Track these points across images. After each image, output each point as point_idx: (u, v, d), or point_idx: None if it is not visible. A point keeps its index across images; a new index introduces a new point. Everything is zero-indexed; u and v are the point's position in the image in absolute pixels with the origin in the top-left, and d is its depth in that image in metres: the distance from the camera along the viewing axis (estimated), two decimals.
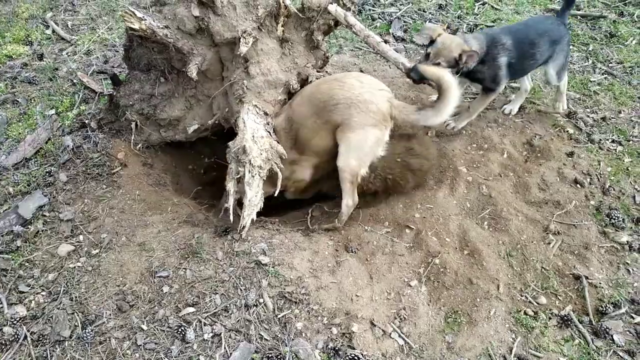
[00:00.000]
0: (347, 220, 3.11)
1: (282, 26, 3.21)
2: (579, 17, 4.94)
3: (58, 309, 2.56)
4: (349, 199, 3.03)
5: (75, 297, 2.62)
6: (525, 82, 3.85)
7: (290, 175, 3.32)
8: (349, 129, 2.93)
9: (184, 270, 2.70)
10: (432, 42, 3.31)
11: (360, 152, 2.97)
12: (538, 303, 2.73)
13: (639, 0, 5.03)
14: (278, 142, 3.07)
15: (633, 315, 2.68)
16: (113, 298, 2.61)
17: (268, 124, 3.11)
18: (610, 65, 4.37)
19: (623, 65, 4.35)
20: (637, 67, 4.32)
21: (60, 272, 2.75)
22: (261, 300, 2.56)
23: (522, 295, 2.76)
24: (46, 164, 3.41)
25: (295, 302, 2.56)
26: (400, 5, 5.23)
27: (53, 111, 3.85)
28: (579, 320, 2.66)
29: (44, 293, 2.65)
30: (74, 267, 2.78)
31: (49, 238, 2.94)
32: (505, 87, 3.98)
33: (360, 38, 3.41)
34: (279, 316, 2.50)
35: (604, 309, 2.69)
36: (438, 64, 3.20)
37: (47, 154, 3.48)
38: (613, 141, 3.66)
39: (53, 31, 4.68)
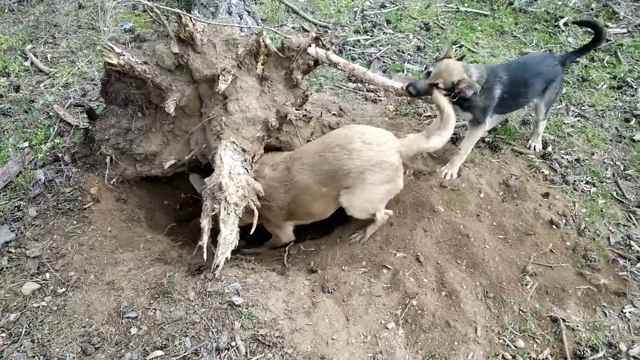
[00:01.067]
0: (323, 260, 3.07)
1: (262, 65, 3.23)
2: None
3: (18, 351, 2.44)
4: (381, 216, 3.17)
5: (38, 338, 2.49)
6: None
7: (275, 243, 3.50)
8: (361, 190, 2.98)
9: (153, 310, 2.60)
10: (437, 60, 3.46)
11: (371, 204, 3.05)
12: (516, 347, 2.69)
13: (608, 47, 5.23)
14: (255, 180, 3.04)
15: (610, 359, 2.65)
16: (78, 340, 2.49)
17: (245, 161, 3.09)
18: (582, 108, 4.50)
19: (595, 109, 4.48)
20: (608, 110, 4.45)
21: (23, 312, 2.62)
22: (233, 344, 2.47)
23: (499, 339, 2.72)
24: (15, 198, 3.31)
25: (269, 346, 2.47)
26: (380, 46, 5.34)
27: (26, 144, 3.78)
28: None
29: (3, 334, 2.52)
30: (38, 306, 2.66)
31: (14, 275, 2.82)
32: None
33: (347, 72, 3.44)
34: None
35: (582, 353, 2.65)
36: (436, 84, 3.30)
37: (17, 188, 3.39)
38: (587, 182, 3.72)
39: (32, 63, 4.64)
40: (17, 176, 3.47)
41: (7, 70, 4.56)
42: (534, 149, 3.97)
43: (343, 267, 2.99)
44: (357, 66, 3.35)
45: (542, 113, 3.82)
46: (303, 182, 3.09)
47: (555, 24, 5.65)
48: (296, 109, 3.37)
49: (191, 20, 2.95)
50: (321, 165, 3.01)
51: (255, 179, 3.05)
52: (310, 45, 3.20)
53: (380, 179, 2.95)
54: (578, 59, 3.94)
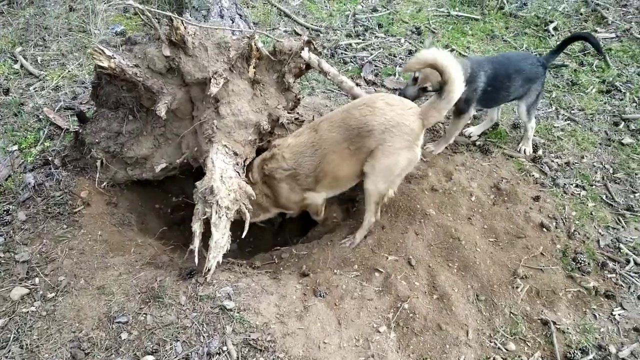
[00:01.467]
0: (315, 263, 3.07)
1: (254, 68, 3.23)
2: None
3: (6, 357, 2.41)
4: (371, 217, 3.15)
5: (26, 344, 2.46)
6: (494, 114, 4.13)
7: (303, 202, 3.44)
8: (382, 153, 2.95)
9: (144, 315, 2.59)
10: None
11: (391, 175, 3.02)
12: (507, 349, 2.71)
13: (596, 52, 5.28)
14: (247, 183, 3.04)
15: None
16: (67, 345, 2.46)
17: (237, 164, 3.08)
18: (572, 112, 4.54)
19: (584, 112, 4.52)
20: (598, 114, 4.49)
21: (12, 318, 2.59)
22: (224, 348, 2.46)
23: (491, 342, 2.73)
24: (4, 202, 3.27)
25: (261, 350, 2.47)
26: (372, 50, 5.36)
27: (16, 147, 3.74)
28: None
29: None
30: (27, 312, 2.63)
31: (2, 280, 2.79)
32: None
33: (335, 83, 3.47)
34: None
35: (572, 355, 2.67)
36: (425, 88, 3.45)
37: (6, 192, 3.35)
38: (577, 186, 3.75)
39: (21, 66, 4.61)
40: (6, 180, 3.44)
41: None
42: (524, 152, 4.02)
43: (335, 271, 2.99)
44: (345, 79, 3.40)
45: (524, 115, 3.88)
46: (332, 139, 3.07)
47: (545, 28, 5.70)
48: (288, 113, 3.38)
49: (183, 23, 2.95)
50: (348, 121, 3.02)
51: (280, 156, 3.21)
52: (302, 49, 3.21)
53: (400, 144, 2.92)
54: (557, 57, 4.06)
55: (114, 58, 2.94)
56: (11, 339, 2.49)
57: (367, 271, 2.98)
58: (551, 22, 5.76)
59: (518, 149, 4.05)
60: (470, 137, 4.13)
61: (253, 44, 3.12)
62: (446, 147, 3.93)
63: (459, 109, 3.68)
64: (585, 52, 5.28)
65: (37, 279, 2.80)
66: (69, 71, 4.57)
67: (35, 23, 5.09)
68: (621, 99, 4.66)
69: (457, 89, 2.84)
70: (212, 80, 3.00)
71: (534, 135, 4.07)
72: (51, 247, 2.98)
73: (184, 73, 3.07)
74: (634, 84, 4.82)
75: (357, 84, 4.70)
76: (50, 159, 3.48)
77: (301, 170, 3.19)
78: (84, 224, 3.16)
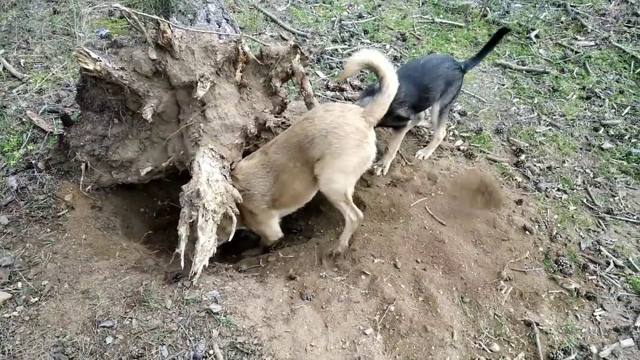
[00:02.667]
0: (302, 267, 3.08)
1: (241, 72, 3.24)
2: (524, 72, 5.24)
3: None
4: (351, 216, 3.11)
5: (9, 349, 2.43)
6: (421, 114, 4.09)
7: (264, 242, 3.55)
8: (331, 156, 2.94)
9: (129, 319, 2.57)
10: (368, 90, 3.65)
11: (342, 174, 3.00)
12: (492, 350, 2.74)
13: (577, 59, 5.40)
14: (234, 186, 3.04)
15: None
16: (51, 350, 2.44)
17: (224, 168, 3.08)
18: (554, 117, 4.63)
19: (565, 118, 4.61)
20: (578, 119, 4.59)
21: None
22: (211, 352, 2.45)
23: (475, 343, 2.76)
24: None
25: (247, 353, 2.47)
26: None
27: None
28: None
29: None
30: (9, 316, 2.59)
31: None
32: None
33: (304, 97, 3.54)
34: None
35: (555, 356, 2.72)
36: None
37: None
38: (558, 190, 3.83)
39: (4, 68, 4.54)
40: None
41: None
42: (423, 158, 3.99)
43: (321, 274, 3.00)
44: (315, 102, 3.56)
45: (435, 116, 3.82)
46: (279, 161, 3.11)
47: (527, 35, 5.81)
48: (275, 116, 3.40)
49: (169, 26, 2.95)
50: (291, 139, 3.06)
51: (233, 177, 3.10)
52: (289, 52, 3.23)
53: (348, 144, 2.92)
54: (476, 63, 4.00)
55: (100, 61, 2.93)
56: None
57: (353, 274, 3.00)
58: (533, 29, 5.88)
59: (415, 154, 4.01)
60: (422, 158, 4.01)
61: (240, 47, 3.13)
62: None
63: (397, 126, 3.72)
64: (565, 59, 5.39)
65: (19, 284, 2.77)
66: (52, 74, 4.52)
67: (18, 25, 5.02)
68: (600, 105, 4.77)
69: (392, 82, 2.94)
70: (198, 84, 3.00)
71: (516, 139, 4.13)
72: (34, 251, 2.95)
73: (170, 76, 3.07)
74: (612, 90, 4.94)
75: (343, 89, 4.75)
76: (33, 162, 3.44)
77: (255, 190, 3.21)
78: (68, 228, 3.13)
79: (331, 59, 5.28)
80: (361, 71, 5.14)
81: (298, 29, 5.71)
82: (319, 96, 4.69)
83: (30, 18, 5.20)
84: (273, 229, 3.45)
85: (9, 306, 2.66)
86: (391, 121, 3.57)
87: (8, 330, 2.52)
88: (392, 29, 5.93)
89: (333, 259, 3.11)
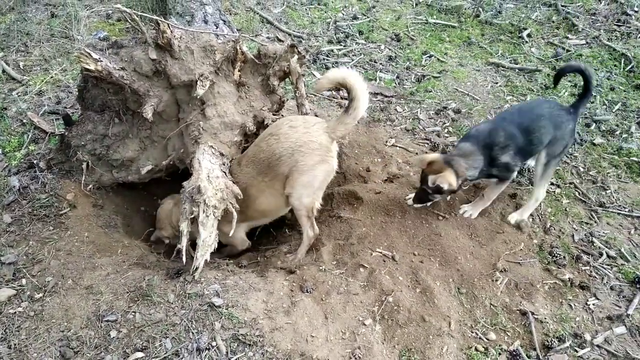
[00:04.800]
0: (302, 261, 3.14)
1: (239, 71, 3.30)
2: (517, 70, 5.33)
3: None
4: (309, 231, 3.18)
5: (15, 344, 2.47)
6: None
7: (230, 250, 3.57)
8: (298, 173, 3.02)
9: (133, 313, 2.61)
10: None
11: (311, 189, 3.08)
12: (488, 339, 2.80)
13: (568, 57, 5.50)
14: (234, 182, 3.09)
15: (577, 348, 2.79)
16: (56, 344, 2.48)
17: (224, 164, 3.14)
18: None
19: None
20: None
21: None
22: (214, 344, 2.50)
23: (472, 332, 2.82)
24: None
25: (249, 345, 2.52)
26: (353, 55, 5.49)
27: None
28: (527, 355, 2.74)
29: None
30: (15, 312, 2.64)
31: None
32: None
33: (296, 97, 3.59)
34: (232, 359, 2.45)
35: (550, 344, 2.78)
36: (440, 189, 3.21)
37: None
38: (552, 184, 3.89)
39: (3, 71, 4.59)
40: None
41: None
42: (515, 222, 3.51)
43: (321, 267, 3.05)
44: (306, 104, 3.62)
45: (540, 167, 3.45)
46: (248, 174, 3.17)
47: (519, 35, 5.91)
48: (273, 114, 3.45)
49: (169, 26, 3.00)
50: (259, 155, 3.12)
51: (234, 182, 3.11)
52: (286, 52, 3.30)
53: (313, 161, 3.00)
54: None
55: (101, 61, 2.98)
56: None
57: (352, 267, 3.06)
58: (525, 29, 5.97)
59: (509, 217, 3.53)
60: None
61: (238, 47, 3.20)
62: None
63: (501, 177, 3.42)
64: (557, 57, 5.48)
65: (24, 280, 2.81)
66: (52, 76, 4.57)
67: (17, 29, 5.08)
68: (592, 102, 4.85)
69: (362, 105, 2.99)
70: (198, 83, 3.06)
71: None
72: (38, 249, 2.99)
73: (170, 76, 3.12)
74: (603, 87, 5.02)
75: (338, 89, 4.80)
76: (35, 162, 3.49)
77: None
78: (71, 226, 3.17)
79: (327, 59, 5.35)
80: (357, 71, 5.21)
81: (294, 31, 5.79)
82: (315, 95, 4.76)
83: (29, 21, 5.25)
84: (239, 239, 3.50)
85: (14, 302, 2.70)
86: (497, 171, 3.34)
87: (14, 326, 2.56)
88: (386, 30, 6.02)
89: (288, 272, 3.08)
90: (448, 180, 3.15)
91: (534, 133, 3.27)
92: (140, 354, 2.45)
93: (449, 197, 3.58)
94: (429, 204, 3.45)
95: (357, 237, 3.25)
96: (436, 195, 3.29)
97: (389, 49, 5.64)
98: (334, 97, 4.77)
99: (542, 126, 3.27)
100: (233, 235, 3.08)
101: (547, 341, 2.80)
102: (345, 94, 4.61)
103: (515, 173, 3.50)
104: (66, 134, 3.41)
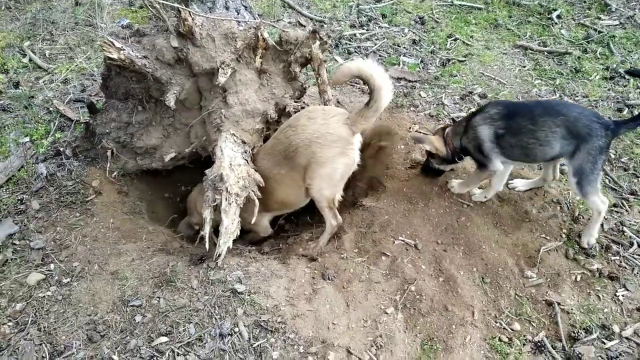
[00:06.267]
0: (324, 249, 3.14)
1: (261, 58, 3.28)
2: (545, 53, 5.17)
3: (25, 339, 2.49)
4: (332, 220, 3.16)
5: (44, 327, 2.55)
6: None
7: (253, 237, 3.58)
8: (316, 165, 2.99)
9: (157, 299, 2.66)
10: None
11: (332, 181, 3.06)
12: (512, 329, 2.76)
13: (600, 39, 5.30)
14: (255, 170, 3.10)
15: (604, 340, 2.72)
16: (83, 328, 2.55)
17: (245, 152, 3.14)
18: (576, 98, 4.56)
19: (588, 99, 4.54)
20: (602, 100, 4.51)
21: (29, 302, 2.68)
22: (236, 330, 2.53)
23: (496, 322, 2.78)
24: (18, 192, 3.35)
25: (271, 331, 2.53)
26: (376, 40, 5.40)
27: (27, 139, 3.81)
28: (552, 346, 2.69)
29: (10, 324, 2.57)
30: (44, 296, 2.71)
31: (18, 267, 2.88)
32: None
33: (318, 84, 3.55)
34: (254, 345, 2.47)
35: (576, 335, 2.72)
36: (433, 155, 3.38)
37: (19, 182, 3.43)
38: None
39: (30, 60, 4.67)
40: (19, 170, 3.51)
41: (5, 67, 4.59)
42: (588, 245, 3.18)
43: (342, 255, 3.04)
44: (329, 90, 3.59)
45: (573, 186, 3.05)
46: (264, 167, 3.16)
47: (549, 16, 5.72)
48: (294, 102, 3.43)
49: (190, 14, 2.99)
50: (276, 147, 3.12)
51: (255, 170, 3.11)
52: (308, 38, 3.26)
53: (331, 152, 2.95)
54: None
55: (124, 50, 3.00)
56: (29, 322, 2.57)
57: (374, 255, 3.04)
58: (554, 10, 5.78)
59: (582, 241, 3.20)
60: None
61: (259, 34, 3.17)
62: None
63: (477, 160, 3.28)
64: (588, 39, 5.29)
65: (52, 265, 2.88)
66: (76, 64, 4.63)
67: (42, 18, 5.15)
68: (625, 86, 4.68)
69: (384, 97, 2.84)
70: (219, 70, 3.05)
71: None
72: (65, 235, 3.06)
73: (192, 63, 3.12)
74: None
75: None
76: (61, 149, 3.56)
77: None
78: (96, 212, 3.23)
79: (349, 44, 5.28)
80: (380, 55, 5.13)
81: (316, 15, 5.72)
82: None
83: (54, 10, 5.32)
84: (262, 226, 3.52)
85: (42, 286, 2.77)
86: (470, 146, 3.19)
87: (43, 309, 2.63)
88: (410, 13, 5.90)
89: (310, 259, 3.07)
90: (433, 144, 3.27)
91: (536, 129, 2.92)
92: (164, 339, 2.49)
93: (448, 169, 3.56)
94: (438, 176, 3.53)
95: (379, 225, 3.23)
96: (432, 161, 3.38)
97: (413, 33, 5.53)
98: (356, 83, 4.71)
99: (551, 126, 2.88)
100: (256, 222, 3.09)
101: (574, 332, 2.75)
102: None
103: (496, 167, 3.15)
104: (91, 122, 3.46)
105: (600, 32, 5.38)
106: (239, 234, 2.94)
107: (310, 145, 2.95)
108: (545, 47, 5.27)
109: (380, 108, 2.92)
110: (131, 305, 2.63)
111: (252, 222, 3.02)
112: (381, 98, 2.86)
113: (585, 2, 5.93)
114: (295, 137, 2.99)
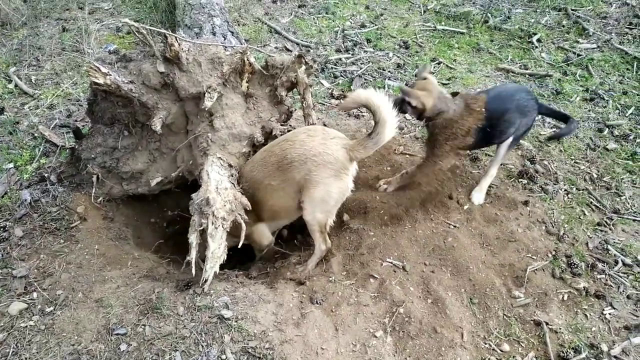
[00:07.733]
0: (312, 272, 3.12)
1: (247, 82, 3.31)
2: (527, 76, 5.29)
3: None
4: (321, 245, 3.13)
5: (26, 358, 2.48)
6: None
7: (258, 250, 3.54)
8: (310, 184, 2.96)
9: (143, 326, 2.61)
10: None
11: (326, 206, 3.03)
12: (502, 350, 2.75)
13: (579, 62, 5.44)
14: (242, 194, 3.09)
15: (593, 359, 2.73)
16: (67, 358, 2.48)
17: (232, 176, 3.14)
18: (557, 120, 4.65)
19: None
20: (582, 121, 4.61)
21: (10, 332, 2.61)
22: (223, 357, 2.48)
23: (485, 343, 2.78)
24: (1, 219, 3.29)
25: (259, 358, 2.49)
26: (361, 64, 5.48)
27: (11, 165, 3.78)
28: None
29: None
30: (26, 326, 2.64)
31: (0, 296, 2.80)
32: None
33: (303, 108, 3.59)
34: None
35: (565, 354, 2.72)
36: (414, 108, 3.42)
37: (2, 209, 3.38)
38: (565, 190, 3.84)
39: (16, 85, 4.66)
40: (3, 197, 3.47)
41: None
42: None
43: (330, 278, 3.03)
44: (313, 114, 3.62)
45: (504, 147, 3.57)
46: (254, 178, 3.14)
47: (529, 40, 5.87)
48: (281, 125, 3.45)
49: (177, 39, 3.02)
50: (269, 159, 3.08)
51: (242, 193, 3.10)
52: (293, 62, 3.30)
53: (326, 174, 2.92)
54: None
55: (110, 75, 3.00)
56: (10, 353, 2.50)
57: (362, 278, 3.03)
58: (534, 34, 5.93)
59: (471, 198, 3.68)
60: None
61: (246, 58, 3.21)
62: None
63: None
64: (568, 62, 5.43)
65: (35, 294, 2.82)
66: (63, 90, 4.63)
67: (28, 44, 5.15)
68: (604, 107, 4.79)
69: (387, 131, 2.85)
70: (206, 95, 3.07)
71: (523, 141, 4.11)
72: (48, 262, 3.00)
73: (178, 88, 3.14)
74: (616, 91, 4.97)
75: (346, 97, 4.81)
76: (46, 175, 3.52)
77: None
78: (81, 239, 3.19)
79: (335, 68, 5.35)
80: (365, 79, 5.21)
81: (302, 40, 5.80)
82: (324, 104, 4.76)
83: (40, 36, 5.33)
84: (261, 236, 3.46)
85: (25, 316, 2.71)
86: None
87: (25, 340, 2.57)
88: (394, 37, 6.01)
89: (298, 283, 3.05)
90: (420, 99, 3.32)
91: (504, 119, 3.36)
92: None
93: (422, 124, 3.70)
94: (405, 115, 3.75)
95: (367, 247, 3.22)
96: (407, 107, 3.40)
97: (397, 57, 5.63)
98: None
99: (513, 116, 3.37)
100: (253, 231, 3.09)
101: (563, 352, 2.75)
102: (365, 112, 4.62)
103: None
104: (76, 147, 3.44)
105: (579, 55, 5.54)
106: (225, 258, 2.91)
107: (306, 162, 2.92)
108: (527, 69, 5.39)
109: (381, 142, 2.91)
110: (116, 334, 2.57)
111: (240, 244, 2.99)
112: (384, 132, 2.86)
113: (564, 26, 6.11)
114: (292, 151, 2.96)
